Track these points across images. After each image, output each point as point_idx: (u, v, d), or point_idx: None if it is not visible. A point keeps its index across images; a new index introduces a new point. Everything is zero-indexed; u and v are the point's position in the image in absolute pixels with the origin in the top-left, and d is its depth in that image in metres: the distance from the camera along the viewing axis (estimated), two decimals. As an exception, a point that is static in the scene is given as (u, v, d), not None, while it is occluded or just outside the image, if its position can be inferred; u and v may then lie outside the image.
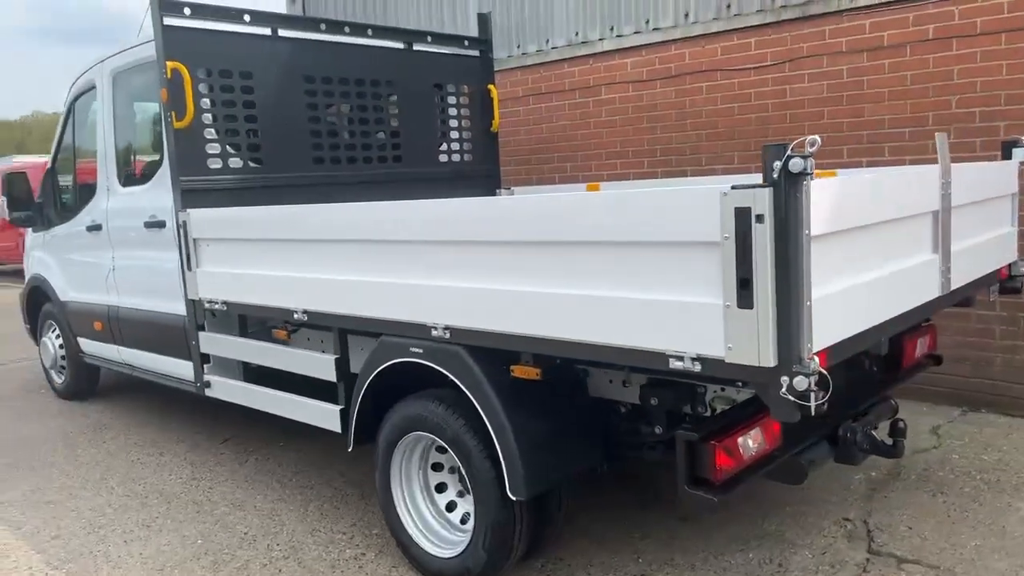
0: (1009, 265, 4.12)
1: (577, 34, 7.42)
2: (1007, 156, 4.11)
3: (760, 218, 2.25)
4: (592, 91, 7.38)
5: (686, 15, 6.64)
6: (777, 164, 2.22)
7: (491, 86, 6.48)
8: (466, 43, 6.42)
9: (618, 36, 7.11)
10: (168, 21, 4.64)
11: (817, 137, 2.20)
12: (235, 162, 4.98)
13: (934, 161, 4.59)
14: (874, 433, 3.47)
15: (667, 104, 6.85)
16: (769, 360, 2.32)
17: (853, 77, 5.80)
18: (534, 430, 3.12)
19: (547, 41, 7.67)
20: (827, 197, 2.37)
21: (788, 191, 2.24)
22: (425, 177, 6.05)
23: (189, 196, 4.69)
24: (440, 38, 6.34)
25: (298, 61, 5.26)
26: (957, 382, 5.61)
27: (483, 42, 6.45)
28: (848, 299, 2.55)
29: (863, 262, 2.65)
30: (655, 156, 7.01)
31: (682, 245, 2.45)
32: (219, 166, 4.89)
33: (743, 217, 2.28)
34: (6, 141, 54.44)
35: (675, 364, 2.54)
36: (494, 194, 6.44)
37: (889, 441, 3.50)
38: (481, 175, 6.49)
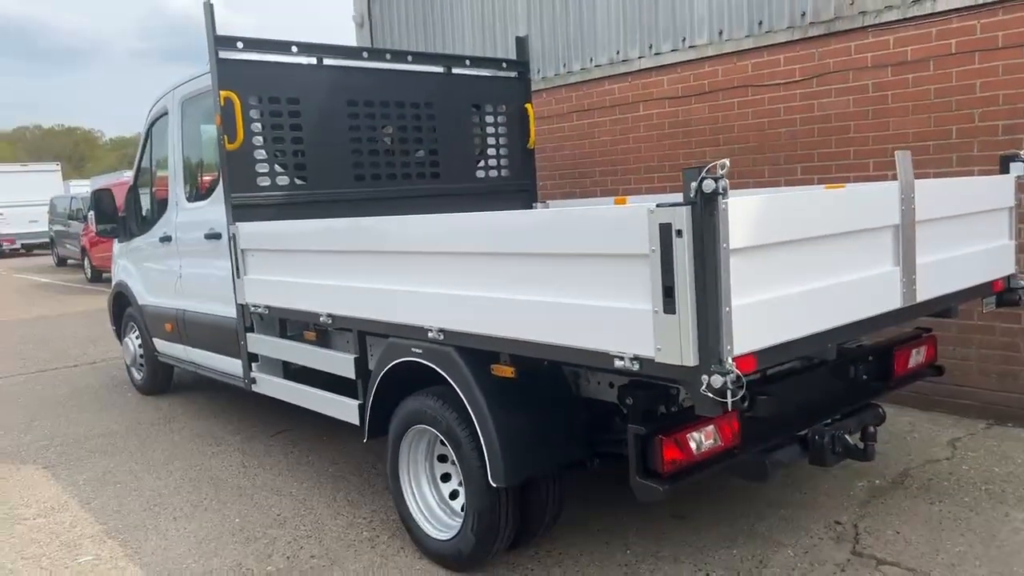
0: (1008, 278, 4.18)
1: (618, 52, 7.69)
2: (1005, 170, 4.18)
3: (680, 233, 2.52)
4: (631, 107, 7.63)
5: (720, 32, 6.83)
6: (693, 185, 2.48)
7: (528, 105, 6.84)
8: (504, 65, 6.80)
9: (656, 54, 7.35)
10: (223, 55, 5.20)
11: (726, 160, 2.45)
12: (282, 180, 5.49)
13: (958, 173, 4.65)
14: (847, 437, 3.62)
15: (701, 119, 7.04)
16: (690, 360, 2.57)
17: (878, 92, 5.88)
18: (515, 424, 3.43)
19: (590, 59, 7.97)
20: (747, 214, 2.61)
21: (704, 209, 2.49)
22: (463, 192, 6.44)
23: (239, 211, 5.22)
24: (479, 61, 6.74)
25: (342, 86, 5.75)
26: (984, 395, 5.60)
27: (521, 64, 6.82)
28: (779, 307, 2.77)
29: (798, 273, 2.85)
30: (691, 170, 7.18)
31: (619, 257, 2.74)
32: (267, 183, 5.41)
33: (666, 232, 2.55)
34: (123, 157, 58.31)
35: (618, 363, 2.82)
36: (530, 207, 6.78)
37: (863, 445, 3.64)
38: (518, 190, 6.85)
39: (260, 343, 5.23)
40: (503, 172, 6.81)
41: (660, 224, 2.57)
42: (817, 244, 2.92)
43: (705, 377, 2.55)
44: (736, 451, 3.25)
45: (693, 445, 3.07)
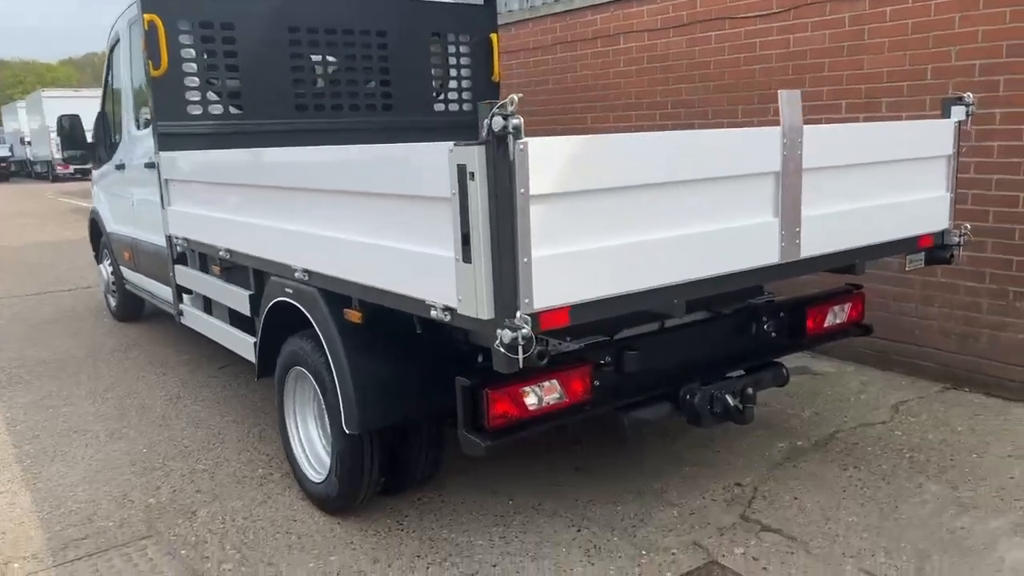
0: (941, 233, 3.84)
1: (600, -20, 7.26)
2: (946, 114, 3.79)
3: (472, 176, 2.31)
4: (612, 40, 7.24)
5: (701, -41, 6.36)
6: (486, 123, 2.26)
7: (494, 35, 6.52)
8: (467, -8, 6.47)
9: (636, -18, 6.91)
10: (147, -24, 5.02)
11: (515, 96, 2.21)
12: (217, 109, 5.35)
13: (932, 117, 4.29)
14: (729, 398, 3.41)
15: (679, 54, 6.63)
16: (485, 313, 2.39)
17: (854, 26, 5.41)
18: (369, 371, 3.30)
19: (574, -13, 7.55)
20: (553, 158, 2.38)
21: (498, 150, 2.27)
22: (418, 126, 6.21)
23: (167, 140, 5.11)
24: (439, -13, 6.42)
25: (283, 12, 5.53)
26: (943, 357, 5.26)
27: (487, -10, 6.48)
28: (600, 260, 2.54)
29: (626, 224, 2.61)
30: (667, 108, 6.83)
31: (425, 200, 2.54)
32: (199, 112, 5.28)
33: (462, 175, 2.34)
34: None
35: (433, 313, 2.65)
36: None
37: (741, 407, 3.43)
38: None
39: (183, 275, 5.19)
40: (464, 106, 6.54)
41: (458, 165, 2.35)
42: (653, 192, 2.66)
43: (500, 331, 2.37)
44: (587, 407, 3.08)
45: (531, 400, 2.90)
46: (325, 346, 3.38)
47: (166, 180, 5.03)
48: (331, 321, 3.36)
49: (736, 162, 2.88)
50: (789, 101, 3.01)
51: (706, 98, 6.46)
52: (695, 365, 3.48)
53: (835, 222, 3.25)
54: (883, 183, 3.47)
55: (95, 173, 7.74)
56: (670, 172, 2.68)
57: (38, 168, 36.04)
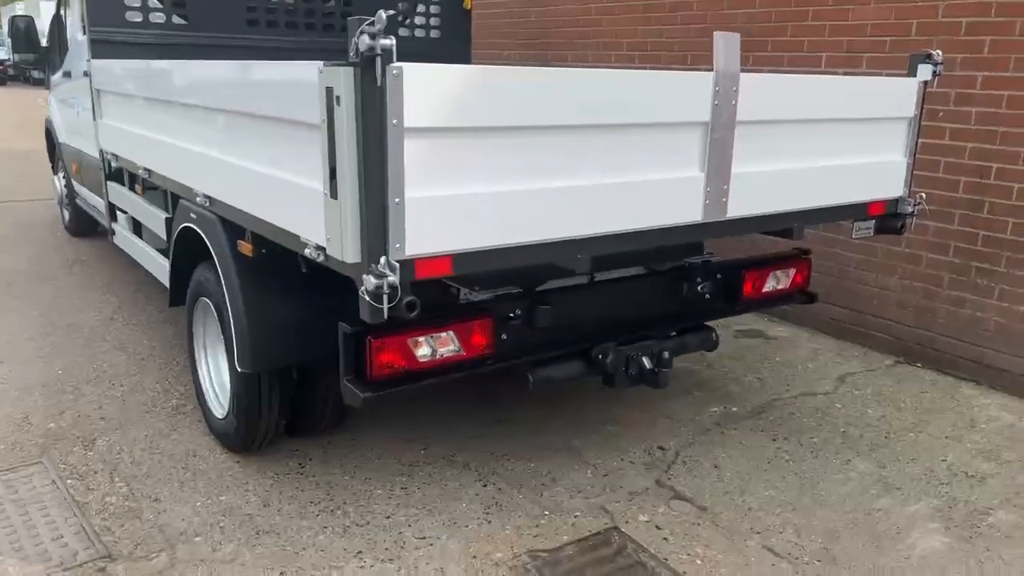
0: (895, 200, 3.60)
1: (589, -93, 6.83)
2: (912, 72, 3.52)
3: (339, 101, 2.07)
4: (596, -29, 6.85)
5: None
6: (354, 41, 2.01)
7: (467, -41, 6.15)
8: (442, -91, 6.08)
9: (625, -89, 6.49)
10: None
11: (385, 12, 1.96)
12: (158, 17, 5.04)
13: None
14: (646, 360, 3.23)
15: (661, -8, 6.27)
16: (351, 256, 2.18)
17: (842, -29, 5.06)
18: (267, 309, 3.11)
19: (562, -86, 7.12)
20: (437, 87, 2.14)
21: (366, 73, 2.03)
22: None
23: (101, 47, 4.82)
24: (411, -98, 6.03)
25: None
26: (899, 330, 5.08)
27: (463, -92, 6.09)
28: (488, 205, 2.32)
29: (526, 168, 2.38)
30: (646, 50, 6.49)
31: (297, 125, 2.31)
32: (139, 20, 4.97)
33: (331, 99, 2.11)
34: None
35: (307, 251, 2.44)
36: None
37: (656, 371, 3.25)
38: (448, 53, 6.26)
39: (115, 192, 4.96)
40: (432, 33, 6.21)
41: (326, 88, 2.12)
42: (557, 136, 2.42)
43: (364, 278, 2.16)
44: (489, 361, 2.90)
45: (423, 351, 2.72)
46: (222, 278, 3.18)
47: (97, 90, 4.76)
48: (228, 252, 3.15)
49: (658, 109, 2.63)
50: (726, 45, 2.74)
51: (687, 41, 6.13)
52: (617, 324, 3.29)
53: (770, 182, 3.02)
54: (832, 143, 3.23)
55: (51, 80, 7.43)
56: (578, 114, 2.44)
57: (35, 73, 35.26)
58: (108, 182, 5.02)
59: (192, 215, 3.43)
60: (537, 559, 2.96)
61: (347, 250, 2.17)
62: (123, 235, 4.96)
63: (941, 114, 4.65)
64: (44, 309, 5.50)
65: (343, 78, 2.04)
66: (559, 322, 3.08)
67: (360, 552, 2.96)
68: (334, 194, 2.17)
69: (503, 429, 3.95)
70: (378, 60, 1.99)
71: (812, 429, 4.07)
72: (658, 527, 3.19)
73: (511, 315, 2.98)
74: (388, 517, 3.20)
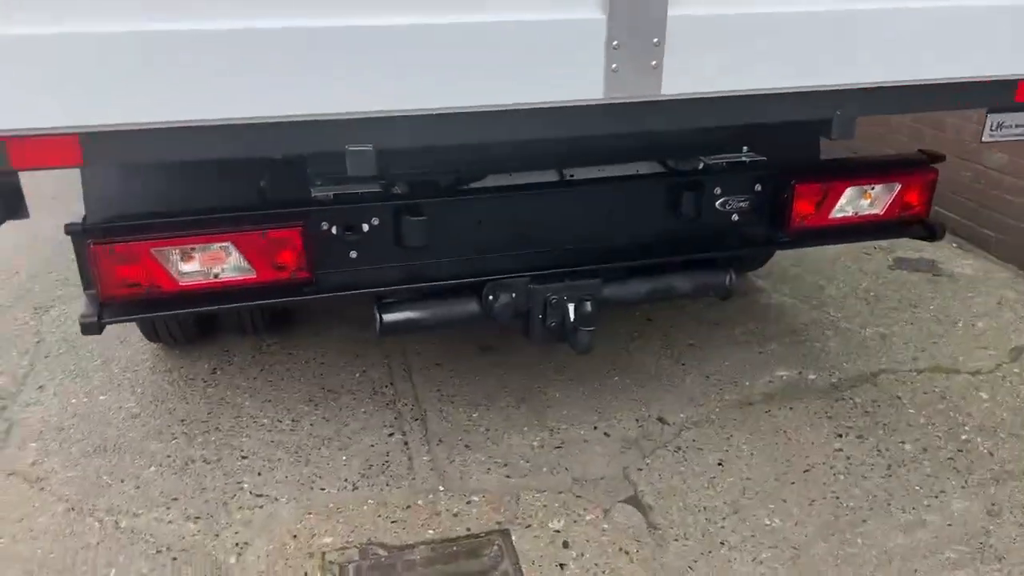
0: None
1: None
2: None
3: None
4: None
5: None
6: None
7: None
8: None
9: None
10: None
11: None
12: None
13: None
14: (571, 307, 2.17)
15: None
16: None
17: None
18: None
19: None
20: None
21: None
22: None
23: None
24: None
25: None
26: None
27: None
28: (156, 50, 1.43)
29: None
30: None
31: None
32: None
33: None
34: None
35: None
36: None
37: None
38: None
39: None
40: None
41: None
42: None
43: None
44: (305, 288, 2.07)
45: (188, 267, 1.96)
46: None
47: None
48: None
49: None
50: None
51: None
52: (556, 252, 2.25)
53: (761, 30, 1.71)
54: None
55: None
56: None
57: None
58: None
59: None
60: (367, 557, 2.19)
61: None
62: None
63: None
64: None
65: None
66: (446, 241, 2.14)
67: (173, 501, 2.39)
68: None
69: (489, 358, 3.10)
70: None
71: (913, 429, 2.71)
72: (566, 544, 2.24)
73: (367, 225, 2.08)
74: (245, 458, 2.58)
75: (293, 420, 2.76)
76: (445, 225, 2.14)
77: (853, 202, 2.38)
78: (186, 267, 1.96)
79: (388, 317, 2.16)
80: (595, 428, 2.72)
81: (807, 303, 3.53)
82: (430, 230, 2.11)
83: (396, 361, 3.10)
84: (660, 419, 2.77)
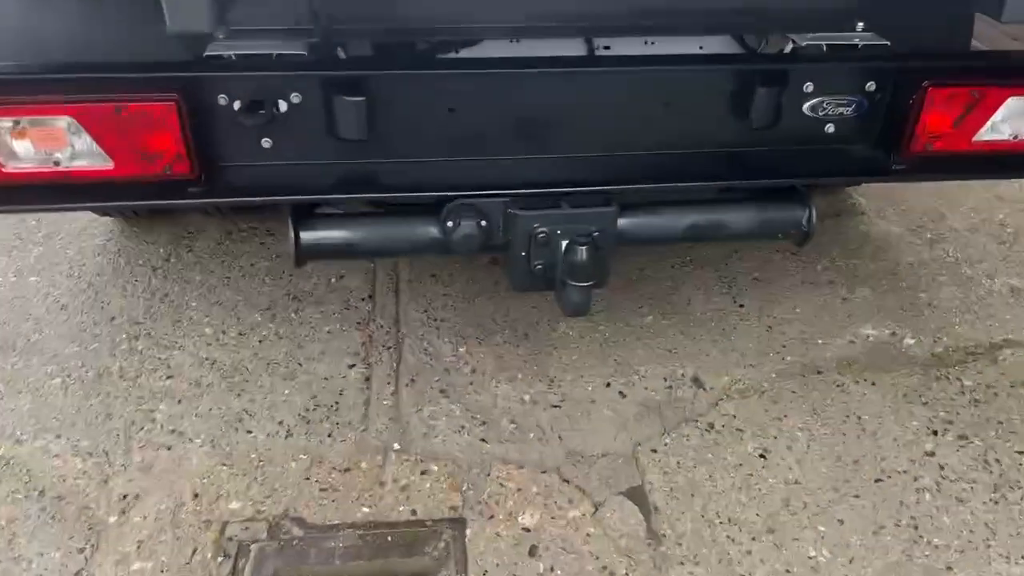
0: None
1: None
2: None
3: None
4: None
5: None
6: None
7: None
8: None
9: None
10: None
11: None
12: None
13: None
14: (564, 246, 1.52)
15: None
16: None
17: None
18: None
19: None
20: None
21: None
22: None
23: None
24: None
25: None
26: None
27: None
28: None
29: None
30: None
31: None
32: None
33: None
34: None
35: None
36: None
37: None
38: None
39: None
40: None
41: None
42: None
43: None
44: (191, 187, 1.48)
45: (15, 149, 1.40)
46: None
47: None
48: None
49: None
50: None
51: None
52: (567, 160, 1.58)
53: None
54: None
55: None
56: None
57: None
58: None
59: None
60: (276, 538, 1.70)
61: None
62: None
63: None
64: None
65: None
66: (399, 135, 1.50)
67: (69, 427, 1.95)
68: None
69: (477, 277, 2.49)
70: None
71: (1001, 414, 2.01)
72: (533, 551, 1.70)
73: (260, 103, 1.45)
74: (170, 377, 2.10)
75: (240, 333, 2.25)
76: (400, 111, 1.49)
77: (1013, 120, 1.59)
78: (19, 146, 1.39)
79: (308, 236, 1.56)
80: (608, 385, 2.12)
81: (918, 235, 2.74)
82: (376, 116, 1.46)
83: (384, 265, 2.53)
84: (696, 380, 2.14)
